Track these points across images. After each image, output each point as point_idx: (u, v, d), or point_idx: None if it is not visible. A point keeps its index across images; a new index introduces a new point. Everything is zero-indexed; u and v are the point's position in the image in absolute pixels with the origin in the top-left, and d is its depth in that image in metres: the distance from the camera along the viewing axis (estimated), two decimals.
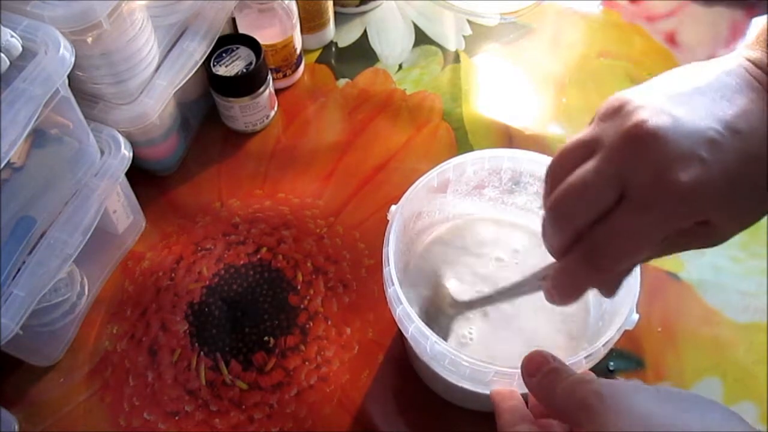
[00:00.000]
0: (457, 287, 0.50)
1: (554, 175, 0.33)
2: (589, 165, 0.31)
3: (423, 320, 0.42)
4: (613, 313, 0.44)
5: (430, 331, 0.41)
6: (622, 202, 0.31)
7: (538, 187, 0.51)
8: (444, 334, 0.48)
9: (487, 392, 0.45)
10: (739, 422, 0.30)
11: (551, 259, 0.35)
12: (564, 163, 0.33)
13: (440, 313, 0.49)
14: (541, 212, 0.52)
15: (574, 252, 0.33)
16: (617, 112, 0.32)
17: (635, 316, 0.42)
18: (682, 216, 0.30)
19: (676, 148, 0.29)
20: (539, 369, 0.36)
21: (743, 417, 0.31)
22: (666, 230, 0.31)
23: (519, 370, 0.38)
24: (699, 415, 0.30)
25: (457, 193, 0.52)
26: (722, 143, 0.30)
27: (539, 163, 0.49)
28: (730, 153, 0.30)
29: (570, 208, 0.32)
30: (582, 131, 0.33)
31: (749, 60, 0.33)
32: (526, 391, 0.38)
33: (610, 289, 0.35)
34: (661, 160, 0.29)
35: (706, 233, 0.32)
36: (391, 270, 0.43)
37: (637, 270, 0.43)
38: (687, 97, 0.31)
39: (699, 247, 0.34)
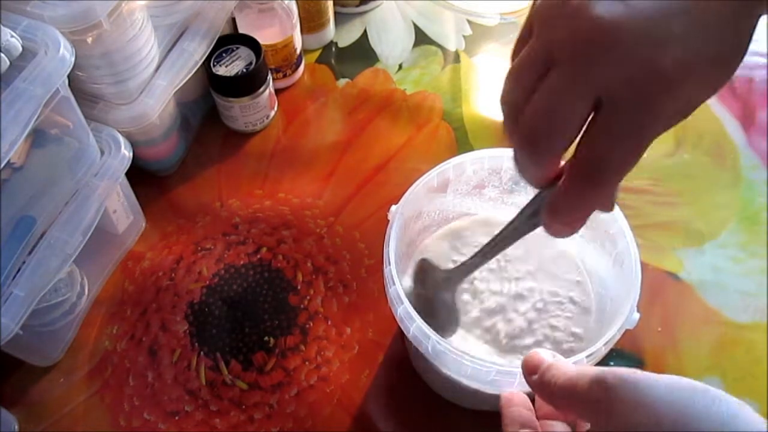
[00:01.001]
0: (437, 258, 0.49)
1: (512, 102, 0.31)
2: (553, 82, 0.29)
3: (425, 318, 0.42)
4: (614, 312, 0.44)
5: (432, 331, 0.41)
6: (604, 108, 0.28)
7: None
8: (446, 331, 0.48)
9: (490, 391, 0.45)
10: (750, 414, 0.29)
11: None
12: (517, 85, 0.30)
13: (441, 305, 0.48)
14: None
15: (569, 176, 0.30)
16: (562, 8, 0.28)
17: (636, 315, 0.42)
18: (675, 103, 0.28)
19: (645, 35, 0.27)
20: (539, 367, 0.35)
21: None
22: (661, 124, 0.28)
23: (520, 369, 0.38)
24: (706, 406, 0.29)
25: (457, 193, 0.52)
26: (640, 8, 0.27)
27: None
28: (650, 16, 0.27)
29: (546, 135, 0.30)
30: (525, 43, 0.30)
31: None
32: (528, 390, 0.38)
33: (609, 202, 0.32)
34: (636, 52, 0.27)
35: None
36: (392, 269, 0.43)
37: (638, 270, 0.43)
38: None
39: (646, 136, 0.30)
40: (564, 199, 0.31)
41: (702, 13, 0.27)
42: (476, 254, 0.44)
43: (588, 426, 0.36)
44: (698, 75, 0.28)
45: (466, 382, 0.45)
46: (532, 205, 0.37)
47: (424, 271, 0.49)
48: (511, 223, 0.40)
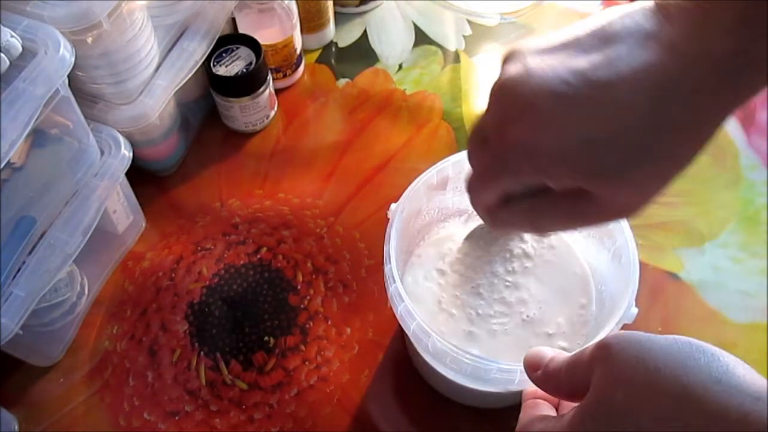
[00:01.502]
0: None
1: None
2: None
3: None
4: (612, 307, 0.44)
5: (432, 329, 0.41)
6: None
7: None
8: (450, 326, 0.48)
9: (489, 389, 0.45)
10: (748, 370, 0.29)
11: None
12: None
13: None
14: None
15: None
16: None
17: (634, 310, 0.42)
18: (518, 170, 0.30)
19: (518, 100, 0.29)
20: (541, 362, 0.35)
21: None
22: (503, 184, 0.31)
23: (521, 366, 0.38)
24: (705, 360, 0.29)
25: (457, 191, 0.52)
26: (572, 95, 0.27)
27: None
28: (582, 105, 0.27)
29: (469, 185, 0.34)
30: None
31: None
32: (526, 387, 0.38)
33: (496, 226, 0.36)
34: (503, 112, 0.30)
35: (592, 203, 0.30)
36: (393, 267, 0.43)
37: (636, 264, 0.43)
38: (558, 48, 0.29)
39: (598, 222, 0.32)
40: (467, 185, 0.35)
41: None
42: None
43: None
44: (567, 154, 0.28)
45: (466, 380, 0.45)
46: None
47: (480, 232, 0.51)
48: None
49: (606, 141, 0.27)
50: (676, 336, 0.30)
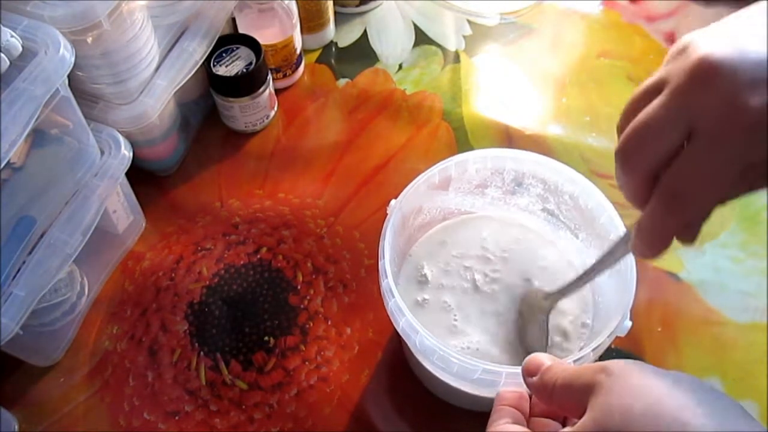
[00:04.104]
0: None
1: (623, 124, 0.33)
2: (654, 103, 0.31)
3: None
4: (607, 318, 0.44)
5: (420, 325, 0.41)
6: (692, 139, 0.30)
7: (541, 189, 0.51)
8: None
9: (476, 392, 0.45)
10: (747, 416, 0.30)
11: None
12: (632, 109, 0.32)
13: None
14: (544, 215, 0.52)
15: (652, 199, 0.32)
16: (683, 51, 0.31)
17: (628, 323, 0.42)
18: (755, 145, 0.29)
19: (743, 75, 0.28)
20: (539, 368, 0.36)
21: None
22: (740, 163, 0.29)
23: (505, 369, 0.39)
24: (707, 407, 0.29)
25: (459, 191, 0.52)
26: None
27: (543, 165, 0.49)
28: None
29: (636, 149, 0.31)
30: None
31: None
32: (511, 388, 0.39)
33: (690, 234, 0.33)
34: (728, 89, 0.28)
35: None
36: (386, 263, 0.44)
37: (633, 278, 0.43)
38: (756, 29, 0.30)
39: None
40: (646, 220, 0.33)
41: None
42: (576, 279, 0.44)
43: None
44: None
45: (454, 381, 0.45)
46: (630, 233, 0.38)
47: (527, 296, 0.49)
48: (609, 249, 0.41)
49: None
50: (680, 372, 0.31)
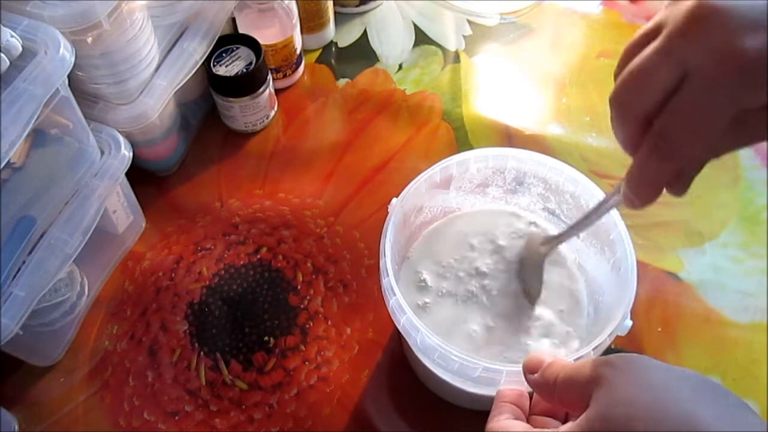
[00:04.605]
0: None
1: (618, 71, 0.32)
2: (650, 47, 0.30)
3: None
4: (608, 318, 0.44)
5: (422, 324, 0.41)
6: (685, 82, 0.29)
7: (542, 188, 0.51)
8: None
9: (475, 390, 0.45)
10: (751, 413, 0.29)
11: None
12: (629, 54, 0.32)
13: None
14: (544, 214, 0.52)
15: (644, 144, 0.31)
16: None
17: (629, 323, 0.42)
18: (749, 89, 0.28)
19: (741, 17, 0.28)
20: (540, 365, 0.36)
21: None
22: (733, 106, 0.29)
23: (506, 367, 0.38)
24: (711, 396, 0.29)
25: (460, 190, 0.52)
26: None
27: (544, 165, 0.49)
28: None
29: (629, 93, 0.31)
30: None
31: None
32: (512, 387, 0.39)
33: (682, 184, 0.33)
34: (724, 30, 0.28)
35: None
36: (387, 262, 0.44)
37: (633, 277, 0.43)
38: None
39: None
40: (636, 167, 0.32)
41: None
42: (572, 226, 0.45)
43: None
44: None
45: (454, 379, 0.45)
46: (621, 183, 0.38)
47: (528, 241, 0.50)
48: (601, 201, 0.41)
49: None
50: (684, 368, 0.31)
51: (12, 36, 0.43)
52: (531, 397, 0.39)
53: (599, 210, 0.42)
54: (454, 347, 0.40)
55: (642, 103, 0.31)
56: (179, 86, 0.57)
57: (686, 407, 0.28)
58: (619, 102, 0.32)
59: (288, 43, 0.66)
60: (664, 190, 0.33)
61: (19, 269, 0.46)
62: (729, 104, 0.29)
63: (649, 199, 0.33)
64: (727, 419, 0.28)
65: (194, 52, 0.58)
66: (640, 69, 0.30)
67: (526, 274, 0.49)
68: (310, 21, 0.70)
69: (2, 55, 0.42)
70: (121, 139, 0.53)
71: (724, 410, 0.28)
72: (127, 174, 0.54)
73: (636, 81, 0.31)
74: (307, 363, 0.54)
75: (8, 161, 0.43)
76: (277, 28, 0.65)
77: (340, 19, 0.75)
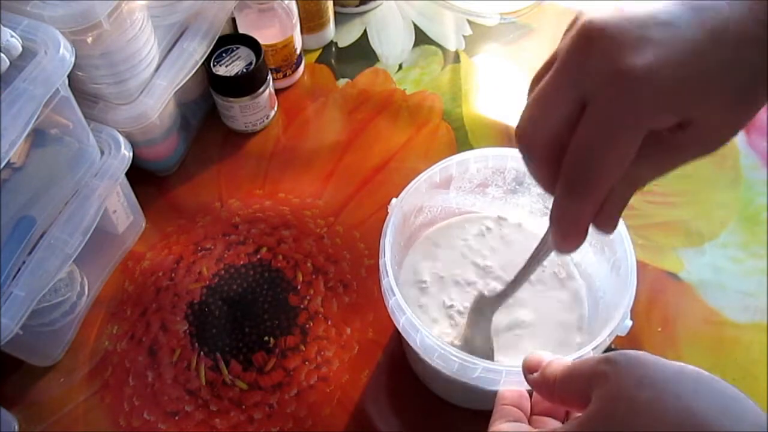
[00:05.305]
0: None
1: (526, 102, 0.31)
2: (545, 78, 0.29)
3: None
4: (607, 318, 0.44)
5: (421, 324, 0.41)
6: (585, 111, 0.28)
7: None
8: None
9: (475, 391, 0.45)
10: (750, 405, 0.29)
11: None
12: (533, 86, 0.31)
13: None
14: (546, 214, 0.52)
15: (558, 183, 0.30)
16: (573, 23, 0.29)
17: (628, 323, 0.42)
18: (647, 108, 0.27)
19: (627, 35, 0.27)
20: (539, 364, 0.36)
21: None
22: (637, 129, 0.27)
23: (505, 367, 0.38)
24: (712, 396, 0.29)
25: (460, 190, 0.52)
26: (678, 22, 0.27)
27: None
28: (691, 30, 0.27)
29: (530, 128, 0.29)
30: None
31: None
32: (513, 387, 0.39)
33: (606, 223, 0.31)
34: (612, 50, 0.27)
35: (694, 136, 0.28)
36: (387, 261, 0.44)
37: (633, 277, 0.43)
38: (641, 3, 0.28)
39: (694, 157, 0.30)
40: (554, 209, 0.31)
41: (690, 27, 0.27)
42: (511, 283, 0.44)
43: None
44: (671, 85, 0.27)
45: (451, 377, 0.45)
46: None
47: (475, 301, 0.47)
48: (535, 249, 0.40)
49: (715, 65, 0.27)
50: (684, 364, 0.30)
51: (12, 36, 0.43)
52: (531, 397, 0.39)
53: (537, 257, 0.40)
54: (454, 347, 0.40)
55: (544, 137, 0.29)
56: (179, 86, 0.57)
57: (686, 402, 0.28)
58: (523, 140, 0.30)
59: (288, 43, 0.66)
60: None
61: (19, 269, 0.47)
62: (632, 128, 0.27)
63: (576, 241, 0.31)
64: (727, 413, 0.28)
65: (194, 52, 0.58)
66: (537, 102, 0.29)
67: (475, 336, 0.47)
68: (310, 21, 0.70)
69: (2, 55, 0.42)
70: (121, 139, 0.53)
71: (723, 404, 0.28)
72: (127, 174, 0.54)
73: (535, 115, 0.29)
74: (307, 363, 0.54)
75: (8, 161, 0.43)
76: (277, 28, 0.65)
77: (340, 19, 0.75)
